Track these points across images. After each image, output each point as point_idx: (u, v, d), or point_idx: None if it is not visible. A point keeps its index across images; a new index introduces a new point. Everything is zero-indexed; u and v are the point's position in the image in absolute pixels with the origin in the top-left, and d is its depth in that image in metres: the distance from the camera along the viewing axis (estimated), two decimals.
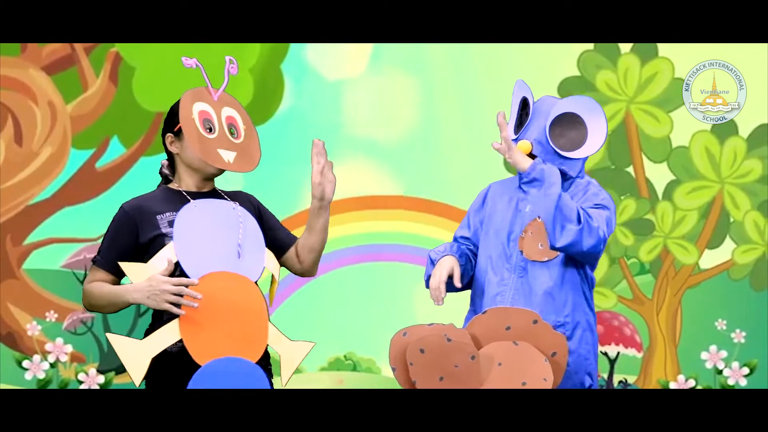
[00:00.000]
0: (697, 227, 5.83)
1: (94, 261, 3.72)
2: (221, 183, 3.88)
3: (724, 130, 5.79)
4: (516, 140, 3.96)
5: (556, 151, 3.94)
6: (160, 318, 3.64)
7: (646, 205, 5.83)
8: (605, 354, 5.76)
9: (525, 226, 3.94)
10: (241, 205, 3.77)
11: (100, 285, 3.67)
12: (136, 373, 3.55)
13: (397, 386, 3.70)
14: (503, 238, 3.98)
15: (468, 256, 4.05)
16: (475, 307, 4.03)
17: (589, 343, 3.95)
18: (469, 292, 4.08)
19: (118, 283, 3.68)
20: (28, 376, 5.73)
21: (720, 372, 5.79)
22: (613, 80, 5.81)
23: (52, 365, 5.72)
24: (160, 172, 3.84)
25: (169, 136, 3.78)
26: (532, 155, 3.93)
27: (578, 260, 3.90)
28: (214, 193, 3.80)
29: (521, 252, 3.94)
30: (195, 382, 3.53)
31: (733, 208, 5.82)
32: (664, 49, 5.78)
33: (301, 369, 5.63)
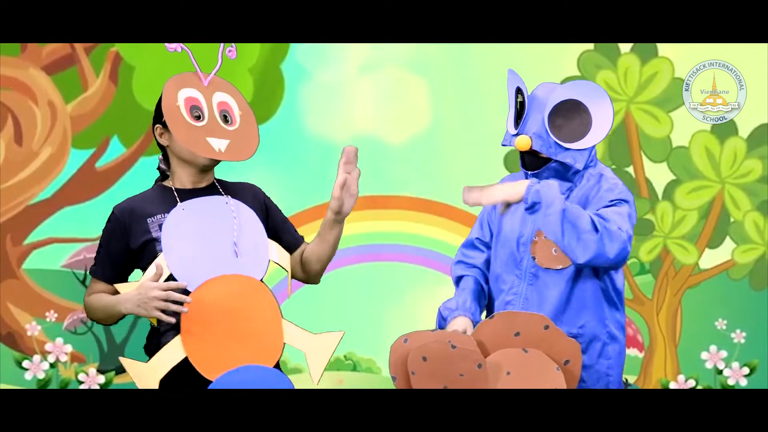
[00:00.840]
0: (697, 227, 5.82)
1: (91, 272, 3.60)
2: (231, 176, 3.70)
3: (724, 130, 5.79)
4: (515, 135, 3.71)
5: (558, 144, 3.65)
6: (157, 331, 3.52)
7: (646, 205, 5.82)
8: None
9: (537, 230, 3.66)
10: (244, 200, 3.57)
11: (99, 297, 3.56)
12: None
13: None
14: (512, 242, 3.72)
15: (480, 292, 3.77)
16: (487, 314, 3.82)
17: (610, 357, 3.68)
18: None
19: (116, 291, 3.50)
20: (28, 376, 5.72)
21: (720, 372, 5.79)
22: (613, 80, 5.80)
23: (52, 365, 5.71)
24: (158, 168, 3.68)
25: (158, 128, 3.56)
26: (533, 152, 3.69)
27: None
28: (213, 188, 3.59)
29: (533, 258, 3.67)
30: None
31: (733, 208, 5.81)
32: (664, 49, 5.78)
33: (301, 369, 5.62)
